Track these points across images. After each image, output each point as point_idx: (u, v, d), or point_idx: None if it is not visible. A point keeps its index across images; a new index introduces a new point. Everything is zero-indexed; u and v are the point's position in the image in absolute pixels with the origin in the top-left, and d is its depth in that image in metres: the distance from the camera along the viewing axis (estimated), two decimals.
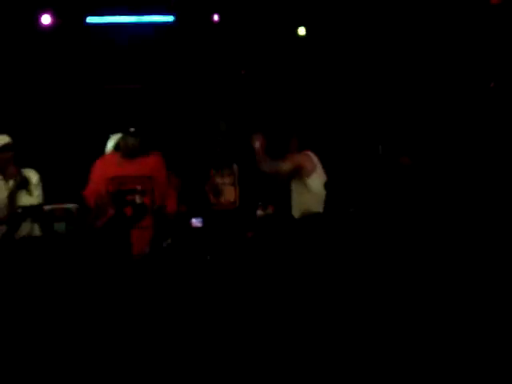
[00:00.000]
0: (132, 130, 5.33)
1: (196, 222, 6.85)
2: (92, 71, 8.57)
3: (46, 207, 6.27)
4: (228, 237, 6.22)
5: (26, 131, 7.61)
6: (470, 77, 8.16)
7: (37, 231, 5.77)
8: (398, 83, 8.63)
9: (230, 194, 6.58)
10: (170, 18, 8.19)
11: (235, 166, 6.63)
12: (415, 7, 8.31)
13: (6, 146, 5.78)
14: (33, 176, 5.92)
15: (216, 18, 8.22)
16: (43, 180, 6.11)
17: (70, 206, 6.95)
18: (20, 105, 8.20)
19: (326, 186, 5.38)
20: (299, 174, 5.32)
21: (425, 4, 8.13)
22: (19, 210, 5.43)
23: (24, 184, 5.82)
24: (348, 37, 8.65)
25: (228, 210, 6.59)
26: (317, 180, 5.41)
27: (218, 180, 6.72)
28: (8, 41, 7.93)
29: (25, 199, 5.78)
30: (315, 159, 5.48)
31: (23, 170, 5.90)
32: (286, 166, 5.33)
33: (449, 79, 8.32)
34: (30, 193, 5.83)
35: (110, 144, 5.58)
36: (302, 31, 8.56)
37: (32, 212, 5.45)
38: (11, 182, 5.78)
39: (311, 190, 5.36)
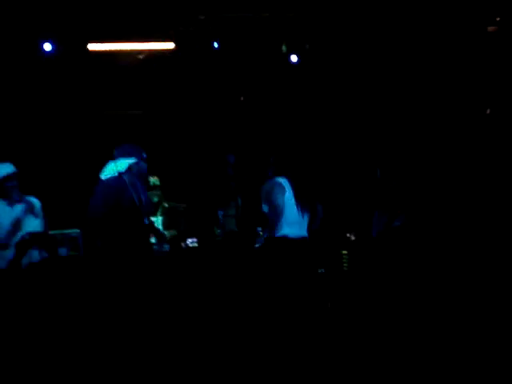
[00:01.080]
0: None
1: (191, 241, 6.92)
2: (94, 97, 8.64)
3: (50, 233, 6.35)
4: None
5: (27, 158, 7.69)
6: (468, 103, 8.23)
7: (36, 256, 5.86)
8: (393, 108, 8.71)
9: (230, 224, 6.68)
10: (170, 45, 8.29)
11: (239, 199, 6.73)
12: (412, 33, 8.39)
13: (12, 174, 5.89)
14: (35, 203, 6.03)
15: (216, 45, 8.30)
16: (45, 207, 6.20)
17: (73, 231, 7.00)
18: (22, 131, 8.26)
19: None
20: None
21: (423, 31, 8.19)
22: (26, 237, 5.51)
23: (28, 209, 5.92)
24: (342, 63, 8.74)
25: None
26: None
27: (222, 212, 6.86)
28: (10, 67, 8.00)
29: (29, 225, 5.88)
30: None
31: (26, 197, 6.01)
32: None
33: (445, 103, 8.39)
34: (33, 219, 5.93)
35: None
36: (294, 58, 8.68)
37: (39, 238, 5.53)
38: (16, 207, 5.87)
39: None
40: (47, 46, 7.93)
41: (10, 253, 5.49)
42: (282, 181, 5.85)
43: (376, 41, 8.47)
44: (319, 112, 9.03)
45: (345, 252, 6.77)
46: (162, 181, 8.05)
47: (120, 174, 5.63)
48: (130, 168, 5.70)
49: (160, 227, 7.40)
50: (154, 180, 7.89)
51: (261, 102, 9.05)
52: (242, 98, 8.96)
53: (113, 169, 5.68)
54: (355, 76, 8.72)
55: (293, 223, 5.80)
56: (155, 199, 7.77)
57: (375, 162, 7.79)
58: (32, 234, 5.13)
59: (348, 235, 6.73)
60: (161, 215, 7.90)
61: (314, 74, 8.89)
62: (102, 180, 5.62)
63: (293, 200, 5.84)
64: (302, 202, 5.87)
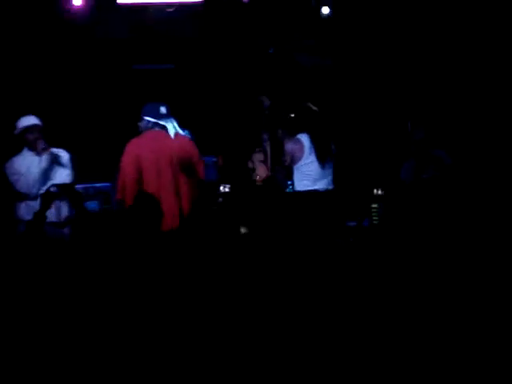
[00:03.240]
0: None
1: (223, 187, 6.97)
2: (123, 52, 8.65)
3: (81, 186, 6.42)
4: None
5: (58, 113, 7.76)
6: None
7: (65, 210, 5.94)
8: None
9: (261, 171, 6.73)
10: None
11: (268, 144, 6.75)
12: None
13: (31, 126, 6.00)
14: (64, 155, 6.12)
15: None
16: (76, 161, 6.27)
17: (104, 185, 7.08)
18: (51, 86, 8.31)
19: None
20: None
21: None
22: (52, 188, 5.54)
23: (56, 160, 6.01)
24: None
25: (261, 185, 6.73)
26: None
27: (253, 158, 6.93)
28: (39, 21, 8.03)
29: (57, 176, 5.97)
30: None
31: (54, 149, 6.09)
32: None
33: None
34: (61, 170, 6.01)
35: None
36: (325, 10, 8.62)
37: (65, 190, 5.56)
38: (44, 158, 5.96)
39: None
40: (77, 1, 7.94)
41: (36, 204, 5.53)
42: (304, 138, 6.10)
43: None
44: (350, 65, 8.96)
45: (375, 205, 6.79)
46: (194, 134, 8.08)
47: None
48: None
49: None
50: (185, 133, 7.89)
51: (289, 55, 9.01)
52: (271, 51, 8.92)
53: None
54: (388, 29, 8.63)
55: (316, 178, 6.02)
56: None
57: (406, 115, 7.78)
58: (57, 186, 5.16)
59: (375, 190, 6.76)
60: None
61: (346, 27, 8.80)
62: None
63: (314, 156, 6.05)
64: (323, 158, 6.08)
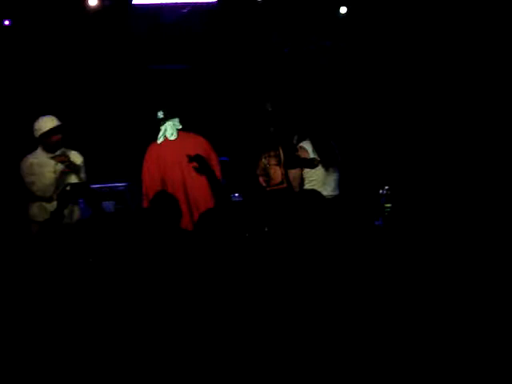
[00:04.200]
0: None
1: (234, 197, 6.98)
2: (139, 52, 8.67)
3: (94, 186, 6.42)
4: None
5: (72, 112, 7.77)
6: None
7: (77, 212, 5.95)
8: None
9: (276, 174, 6.66)
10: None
11: (280, 148, 6.72)
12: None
13: (56, 128, 5.95)
14: (77, 158, 6.09)
15: None
16: (91, 160, 6.27)
17: (119, 185, 7.08)
18: (65, 86, 8.34)
19: None
20: None
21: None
22: (67, 188, 5.56)
23: (71, 165, 5.99)
24: None
25: (278, 189, 6.63)
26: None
27: (265, 161, 6.84)
28: (55, 21, 8.06)
29: (72, 179, 5.95)
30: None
31: (68, 151, 6.07)
32: None
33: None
34: (76, 174, 5.99)
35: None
36: (343, 10, 8.62)
37: (80, 189, 5.57)
38: (59, 164, 5.94)
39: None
40: (92, 1, 7.96)
41: (53, 205, 5.56)
42: (306, 145, 6.17)
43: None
44: (364, 65, 8.94)
45: (388, 205, 6.75)
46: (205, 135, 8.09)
47: None
48: None
49: None
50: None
51: (305, 56, 9.00)
52: (285, 51, 8.92)
53: None
54: (403, 28, 8.61)
55: (322, 184, 6.06)
56: None
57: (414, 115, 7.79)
58: (73, 185, 5.17)
59: (381, 190, 6.70)
60: None
61: (363, 28, 8.79)
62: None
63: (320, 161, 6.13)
64: (327, 163, 6.12)
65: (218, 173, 5.68)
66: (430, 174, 7.25)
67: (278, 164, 6.57)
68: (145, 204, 5.70)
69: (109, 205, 6.74)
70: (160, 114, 5.86)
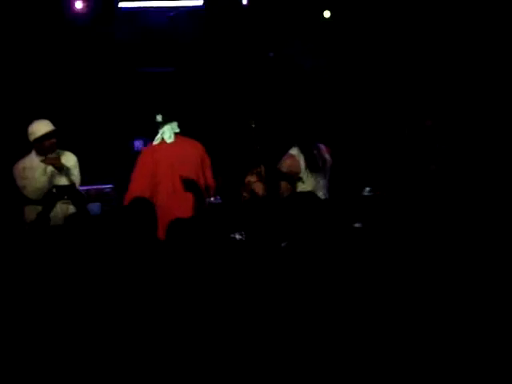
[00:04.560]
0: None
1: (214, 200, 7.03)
2: (125, 56, 8.71)
3: (82, 188, 6.44)
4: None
5: (62, 115, 7.80)
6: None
7: (72, 211, 5.96)
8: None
9: (258, 188, 6.75)
10: (199, 2, 8.36)
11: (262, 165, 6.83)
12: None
13: (51, 132, 5.96)
14: (71, 159, 6.11)
15: (245, 1, 8.33)
16: (80, 162, 6.29)
17: (106, 187, 7.12)
18: (54, 89, 8.36)
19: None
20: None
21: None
22: (53, 190, 5.57)
23: (62, 166, 6.01)
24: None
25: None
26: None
27: (249, 178, 6.95)
28: (41, 25, 8.09)
29: (62, 181, 5.96)
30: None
31: (62, 152, 6.08)
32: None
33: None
34: (67, 175, 6.01)
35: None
36: (326, 14, 8.69)
37: (66, 191, 5.58)
38: (50, 167, 5.95)
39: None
40: (78, 5, 8.00)
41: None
42: (295, 152, 6.15)
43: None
44: (349, 68, 9.00)
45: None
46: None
47: None
48: None
49: None
50: None
51: (290, 60, 9.05)
52: (271, 55, 8.97)
53: None
54: (387, 32, 8.69)
55: (312, 190, 6.09)
56: None
57: (403, 121, 7.83)
58: (59, 187, 5.19)
59: (363, 192, 6.75)
60: None
61: (347, 31, 8.85)
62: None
63: (307, 168, 6.13)
64: (315, 169, 6.14)
65: (209, 174, 6.02)
66: (418, 178, 7.30)
67: (261, 180, 6.64)
68: (125, 202, 5.72)
69: (95, 206, 6.78)
70: (159, 118, 5.95)
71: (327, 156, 6.36)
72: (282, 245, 4.89)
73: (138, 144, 8.28)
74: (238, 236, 6.08)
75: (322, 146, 6.40)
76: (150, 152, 6.01)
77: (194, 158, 5.95)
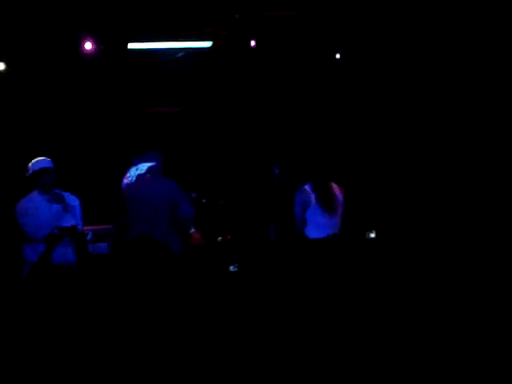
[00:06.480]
0: None
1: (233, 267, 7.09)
2: (133, 95, 8.78)
3: (90, 228, 6.45)
4: None
5: (69, 156, 7.86)
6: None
7: (71, 254, 5.98)
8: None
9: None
10: (207, 44, 8.44)
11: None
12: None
13: (48, 168, 6.02)
14: (73, 200, 6.13)
15: (253, 43, 8.39)
16: (87, 202, 6.31)
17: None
18: (63, 130, 8.43)
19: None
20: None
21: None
22: (55, 231, 5.58)
23: (68, 206, 6.03)
24: None
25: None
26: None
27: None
28: (51, 67, 8.18)
29: (67, 222, 5.98)
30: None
31: (64, 193, 6.12)
32: None
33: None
34: (71, 216, 6.03)
35: None
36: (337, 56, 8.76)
37: (68, 232, 5.60)
38: (56, 205, 5.98)
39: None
40: (88, 45, 8.09)
41: (42, 247, 5.61)
42: (308, 188, 6.22)
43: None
44: (359, 111, 9.04)
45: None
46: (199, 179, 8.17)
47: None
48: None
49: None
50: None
51: (299, 101, 9.11)
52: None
53: None
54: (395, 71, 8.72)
55: (319, 226, 6.14)
56: None
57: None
58: (61, 229, 5.20)
59: (368, 234, 6.77)
60: None
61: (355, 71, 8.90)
62: None
63: (319, 205, 6.21)
64: (328, 206, 6.22)
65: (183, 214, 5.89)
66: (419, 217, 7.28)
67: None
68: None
69: (103, 246, 6.78)
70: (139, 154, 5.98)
71: (339, 195, 6.40)
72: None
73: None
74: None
75: (335, 185, 6.44)
76: (126, 189, 5.99)
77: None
